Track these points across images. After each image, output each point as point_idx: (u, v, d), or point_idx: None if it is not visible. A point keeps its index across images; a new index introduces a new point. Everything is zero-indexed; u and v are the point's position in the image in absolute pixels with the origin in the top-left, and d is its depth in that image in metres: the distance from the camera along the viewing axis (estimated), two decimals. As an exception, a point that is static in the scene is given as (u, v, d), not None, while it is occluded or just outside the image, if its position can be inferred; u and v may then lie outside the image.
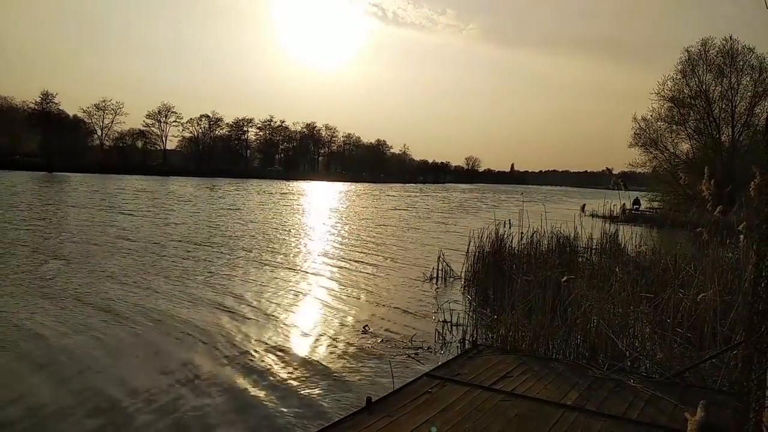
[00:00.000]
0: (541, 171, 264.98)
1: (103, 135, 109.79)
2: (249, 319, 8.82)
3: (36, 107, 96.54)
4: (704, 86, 45.47)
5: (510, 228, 12.41)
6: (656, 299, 7.58)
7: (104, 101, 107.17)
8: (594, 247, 13.05)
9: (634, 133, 48.23)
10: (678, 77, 46.36)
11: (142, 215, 25.44)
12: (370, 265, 14.84)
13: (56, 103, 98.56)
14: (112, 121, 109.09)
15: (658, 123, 47.40)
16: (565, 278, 7.46)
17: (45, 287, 10.07)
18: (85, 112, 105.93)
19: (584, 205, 11.17)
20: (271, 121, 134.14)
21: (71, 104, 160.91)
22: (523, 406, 4.83)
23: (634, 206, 37.50)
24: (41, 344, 7.07)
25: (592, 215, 25.77)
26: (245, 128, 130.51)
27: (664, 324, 6.94)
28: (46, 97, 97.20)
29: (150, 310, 8.97)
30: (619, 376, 5.61)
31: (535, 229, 12.18)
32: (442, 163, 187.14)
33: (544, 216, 11.74)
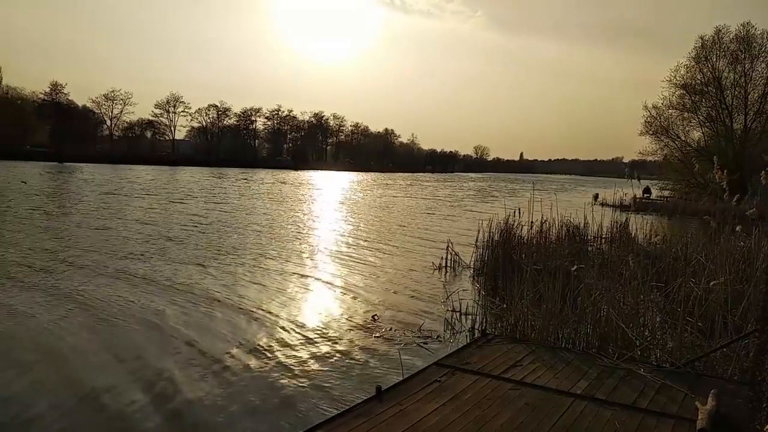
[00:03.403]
0: (550, 160, 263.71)
1: (113, 125, 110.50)
2: (260, 307, 8.86)
3: (45, 98, 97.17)
4: (717, 73, 44.92)
5: (519, 217, 12.36)
6: (667, 288, 7.53)
7: (113, 91, 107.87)
8: (604, 236, 12.98)
9: (645, 121, 47.81)
10: (691, 64, 45.84)
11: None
12: (380, 254, 14.85)
13: (65, 94, 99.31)
14: (121, 112, 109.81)
15: (670, 111, 46.95)
16: (575, 267, 7.43)
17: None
18: (94, 102, 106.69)
19: (597, 194, 11.08)
20: (279, 110, 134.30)
21: (80, 95, 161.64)
22: (532, 395, 4.83)
23: (645, 195, 37.22)
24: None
25: (602, 204, 25.61)
26: (253, 118, 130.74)
27: (674, 313, 6.90)
28: (56, 87, 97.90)
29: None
30: (629, 365, 5.60)
31: (544, 218, 12.13)
32: (450, 152, 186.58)
33: (554, 205, 11.68)
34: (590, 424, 4.26)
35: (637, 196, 28.68)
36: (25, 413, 4.96)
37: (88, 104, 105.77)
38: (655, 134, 47.50)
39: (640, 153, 49.74)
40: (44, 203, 23.80)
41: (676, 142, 46.99)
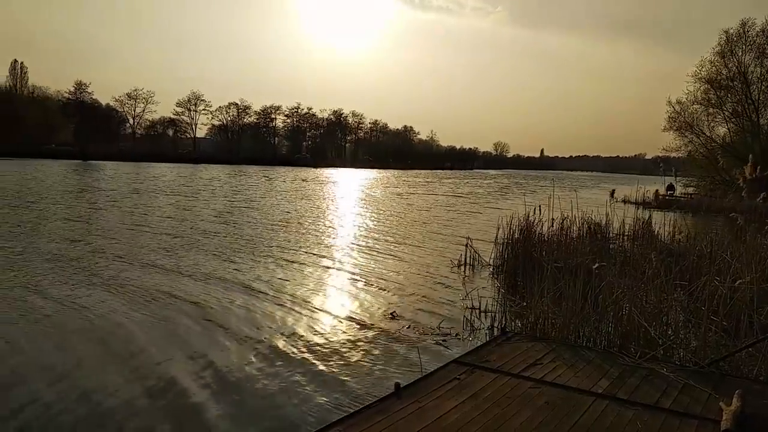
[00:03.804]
0: (571, 156, 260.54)
1: (135, 123, 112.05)
2: (279, 302, 8.92)
3: (70, 97, 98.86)
4: (743, 67, 43.99)
5: (540, 214, 12.25)
6: (691, 287, 7.42)
7: (136, 90, 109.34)
8: (626, 233, 12.82)
9: (669, 117, 47.03)
10: (716, 59, 44.95)
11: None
12: (398, 250, 14.85)
13: (89, 93, 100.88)
14: (144, 110, 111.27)
15: (694, 106, 46.12)
16: (596, 265, 7.35)
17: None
18: (117, 101, 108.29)
19: (613, 190, 10.94)
20: (299, 108, 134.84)
21: (104, 94, 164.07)
22: (552, 394, 4.79)
23: (668, 192, 36.66)
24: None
25: (624, 201, 25.29)
26: (273, 116, 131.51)
27: (698, 312, 6.79)
28: (80, 86, 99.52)
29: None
30: (652, 364, 5.52)
31: (565, 215, 12.01)
32: (470, 149, 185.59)
33: (575, 202, 11.56)
34: (611, 424, 4.21)
35: (660, 193, 28.28)
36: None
37: (112, 103, 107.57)
38: (679, 130, 46.73)
39: (663, 149, 49.01)
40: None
41: (701, 138, 46.16)
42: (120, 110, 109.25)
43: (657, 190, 27.75)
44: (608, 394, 4.79)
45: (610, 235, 12.83)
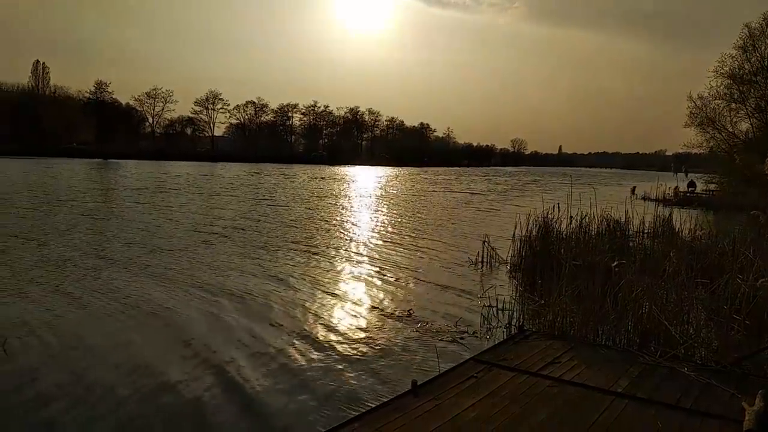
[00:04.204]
0: (590, 153, 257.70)
1: (154, 122, 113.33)
2: (298, 298, 8.98)
3: (90, 96, 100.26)
4: (766, 62, 43.08)
5: (558, 211, 12.15)
6: (712, 285, 7.30)
7: (155, 89, 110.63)
8: (646, 231, 12.67)
9: (690, 113, 46.21)
10: (737, 53, 44.09)
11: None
12: (415, 248, 14.83)
13: (110, 92, 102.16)
14: (163, 109, 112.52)
15: (716, 101, 45.27)
16: (615, 263, 7.28)
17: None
18: (136, 100, 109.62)
19: (634, 187, 10.82)
20: (315, 106, 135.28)
21: (124, 93, 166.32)
22: (571, 393, 4.76)
23: (689, 189, 36.13)
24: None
25: (644, 198, 24.96)
26: (290, 114, 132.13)
27: (720, 310, 6.69)
28: (100, 86, 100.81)
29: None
30: (672, 363, 5.45)
31: (584, 213, 11.90)
32: (487, 146, 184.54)
33: (594, 199, 11.44)
34: (631, 424, 4.17)
35: (681, 190, 27.91)
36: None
37: (131, 102, 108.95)
38: (700, 126, 45.91)
39: (684, 145, 48.21)
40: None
41: (723, 134, 45.36)
42: (139, 109, 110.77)
43: (677, 187, 27.39)
44: (628, 393, 4.74)
45: (630, 232, 12.69)
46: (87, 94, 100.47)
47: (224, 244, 14.18)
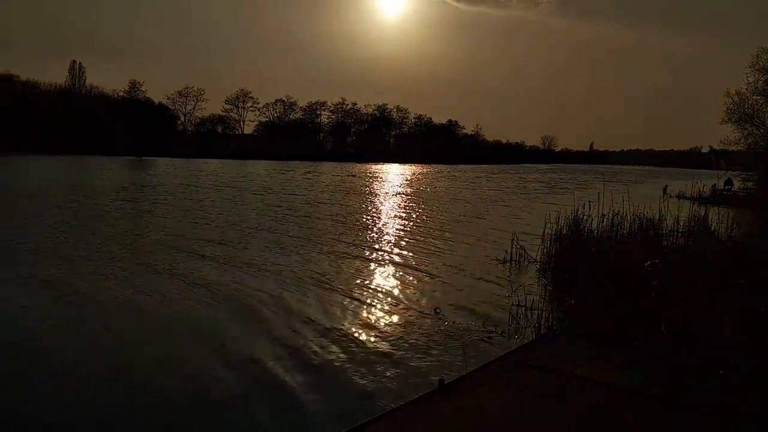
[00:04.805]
0: (622, 150, 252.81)
1: (186, 121, 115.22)
2: (326, 295, 9.03)
3: (125, 95, 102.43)
4: (806, 56, 41.54)
5: (589, 209, 11.95)
6: (749, 286, 7.08)
7: (186, 88, 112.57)
8: (681, 230, 12.36)
9: (727, 109, 44.86)
10: (774, 48, 42.58)
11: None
12: (443, 245, 14.76)
13: (143, 91, 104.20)
14: (194, 107, 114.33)
15: (755, 97, 43.89)
16: (648, 262, 7.11)
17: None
18: (169, 99, 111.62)
19: (666, 186, 10.56)
20: (343, 103, 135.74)
21: (157, 92, 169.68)
22: (601, 395, 4.68)
23: (726, 187, 35.15)
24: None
25: (679, 196, 24.37)
26: (318, 111, 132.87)
27: (757, 312, 6.48)
28: (134, 85, 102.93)
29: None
30: (707, 366, 5.31)
31: (616, 211, 11.67)
32: (516, 143, 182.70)
33: (626, 197, 11.21)
34: (665, 428, 4.08)
35: (717, 188, 27.16)
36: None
37: (164, 101, 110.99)
38: (738, 122, 44.60)
39: (721, 142, 46.88)
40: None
41: (761, 130, 43.97)
42: (172, 108, 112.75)
43: (714, 185, 26.65)
44: (661, 396, 4.64)
45: (664, 231, 12.39)
46: (122, 94, 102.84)
47: (258, 241, 14.32)
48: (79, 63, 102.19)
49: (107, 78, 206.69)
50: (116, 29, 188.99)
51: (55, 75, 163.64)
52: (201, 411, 5.09)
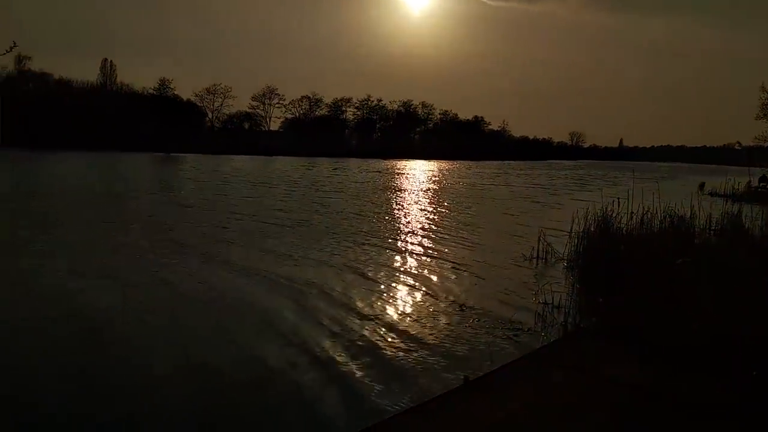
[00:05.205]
0: (652, 146, 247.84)
1: (213, 117, 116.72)
2: (352, 289, 9.05)
3: (154, 92, 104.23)
4: None
5: (618, 206, 11.73)
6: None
7: (214, 85, 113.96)
8: (714, 228, 12.05)
9: (762, 104, 43.81)
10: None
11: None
12: (469, 242, 14.67)
13: (172, 89, 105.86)
14: (222, 104, 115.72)
15: (790, 92, 42.65)
16: (680, 261, 6.95)
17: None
18: (197, 96, 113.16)
19: (703, 183, 10.30)
20: (369, 100, 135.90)
21: (185, 89, 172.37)
22: (629, 395, 4.58)
23: (761, 184, 34.17)
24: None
25: (712, 193, 23.78)
26: (343, 108, 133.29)
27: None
28: (163, 83, 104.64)
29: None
30: (741, 369, 5.15)
31: (646, 208, 11.43)
32: (543, 139, 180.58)
33: (657, 194, 10.97)
34: (693, 429, 3.97)
35: (752, 185, 26.43)
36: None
37: (192, 98, 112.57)
38: (773, 118, 43.42)
39: (756, 138, 45.72)
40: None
41: (799, 126, 42.69)
42: (200, 105, 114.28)
43: (749, 182, 25.93)
44: (692, 400, 4.53)
45: (696, 230, 12.10)
46: (151, 91, 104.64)
47: (290, 234, 14.44)
48: (111, 61, 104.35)
49: (137, 76, 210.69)
50: (145, 28, 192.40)
51: (87, 73, 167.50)
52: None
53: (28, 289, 8.58)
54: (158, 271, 9.96)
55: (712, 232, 12.15)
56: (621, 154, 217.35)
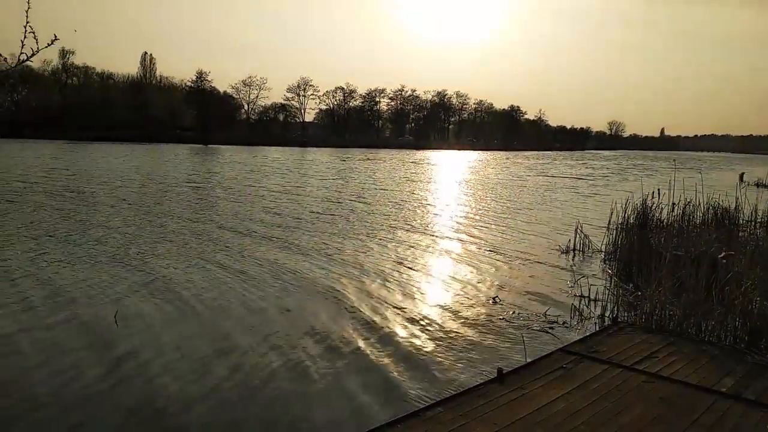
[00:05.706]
0: (696, 135, 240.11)
1: (249, 109, 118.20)
2: (387, 282, 9.11)
3: (192, 85, 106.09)
4: None
5: (659, 198, 11.45)
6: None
7: (250, 78, 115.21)
8: (758, 219, 11.67)
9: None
10: None
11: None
12: (504, 233, 14.55)
13: (209, 81, 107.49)
14: (257, 96, 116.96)
15: None
16: (722, 254, 6.76)
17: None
18: (233, 88, 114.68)
19: (743, 173, 9.97)
20: (402, 90, 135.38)
21: (222, 81, 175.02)
22: (668, 390, 4.51)
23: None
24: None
25: (757, 184, 22.96)
26: (377, 99, 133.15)
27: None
28: (201, 75, 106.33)
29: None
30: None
31: (688, 200, 11.13)
32: (581, 128, 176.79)
33: (699, 185, 10.67)
34: (736, 426, 3.89)
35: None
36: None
37: (229, 90, 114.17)
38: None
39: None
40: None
41: None
42: (236, 97, 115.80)
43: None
44: (733, 393, 4.43)
45: (740, 221, 11.73)
46: (189, 84, 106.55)
47: (319, 228, 14.60)
48: (150, 54, 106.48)
49: (176, 68, 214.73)
50: (184, 21, 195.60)
51: (128, 66, 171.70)
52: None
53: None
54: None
55: (757, 224, 11.77)
56: (662, 143, 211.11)
